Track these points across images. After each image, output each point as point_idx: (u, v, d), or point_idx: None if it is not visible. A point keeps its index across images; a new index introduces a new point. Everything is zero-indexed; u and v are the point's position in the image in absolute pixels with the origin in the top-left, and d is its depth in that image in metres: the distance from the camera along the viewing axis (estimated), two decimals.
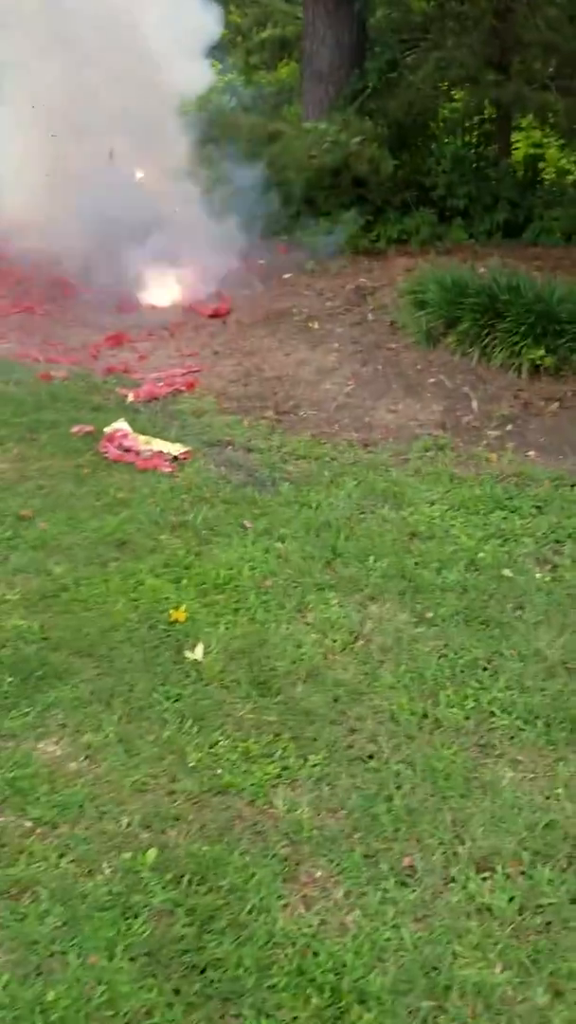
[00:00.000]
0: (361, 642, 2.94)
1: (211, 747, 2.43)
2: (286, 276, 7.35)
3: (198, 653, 2.78)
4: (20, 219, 7.37)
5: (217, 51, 11.47)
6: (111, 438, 4.38)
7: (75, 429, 4.54)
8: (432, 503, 3.94)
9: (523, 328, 4.98)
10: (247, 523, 3.69)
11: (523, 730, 2.57)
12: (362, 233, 7.83)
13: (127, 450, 4.31)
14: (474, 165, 8.49)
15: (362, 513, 3.85)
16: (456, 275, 5.46)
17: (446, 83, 8.94)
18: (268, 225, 7.86)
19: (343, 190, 7.77)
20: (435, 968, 1.84)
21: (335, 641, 2.93)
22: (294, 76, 10.40)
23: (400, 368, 5.50)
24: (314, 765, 2.38)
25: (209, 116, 8.76)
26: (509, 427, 4.76)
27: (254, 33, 10.98)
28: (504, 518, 3.81)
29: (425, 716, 2.61)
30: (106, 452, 4.31)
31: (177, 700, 2.61)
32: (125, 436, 4.40)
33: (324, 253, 7.54)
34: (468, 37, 8.36)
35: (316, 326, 6.29)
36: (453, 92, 9.37)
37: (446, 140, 8.88)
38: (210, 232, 7.58)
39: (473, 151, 8.97)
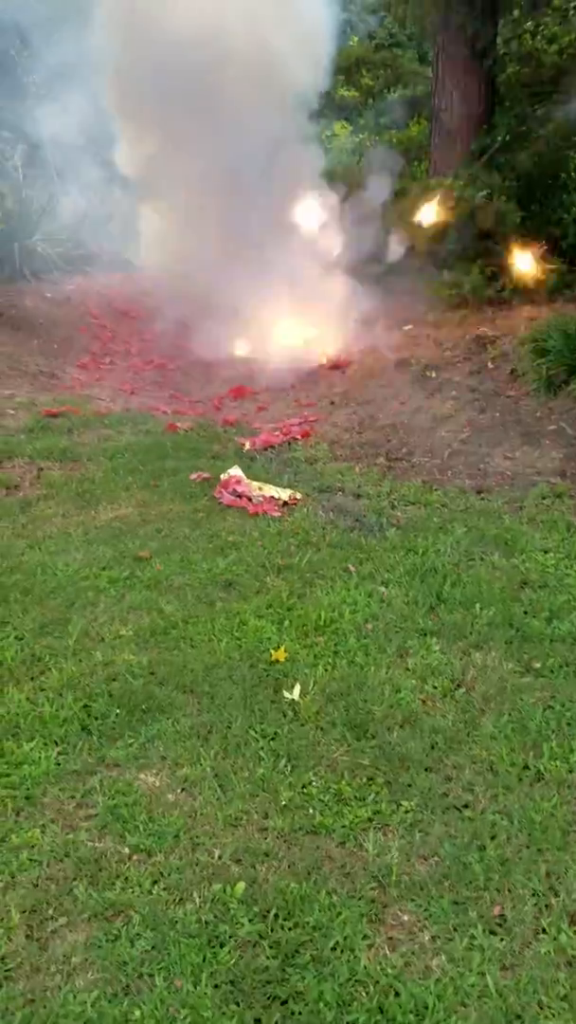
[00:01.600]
0: (462, 690, 2.89)
1: (304, 787, 2.45)
2: (407, 327, 7.44)
3: (295, 693, 2.82)
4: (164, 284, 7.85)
5: (348, 112, 11.94)
6: (226, 484, 4.54)
7: (194, 476, 4.74)
8: (547, 551, 3.84)
9: None
10: (351, 567, 3.72)
11: None
12: (487, 283, 7.83)
13: (240, 495, 4.45)
14: None
15: (470, 559, 3.80)
16: None
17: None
18: (393, 277, 8.00)
19: (469, 243, 7.82)
20: (519, 1017, 1.77)
21: (435, 688, 2.89)
22: (424, 134, 10.63)
23: (519, 415, 5.42)
24: (407, 811, 2.35)
25: (339, 174, 9.09)
26: None
27: (385, 94, 11.36)
28: None
29: (526, 768, 2.53)
30: (220, 497, 4.47)
31: (273, 739, 2.64)
32: (239, 482, 4.55)
33: (447, 304, 7.58)
34: None
35: (433, 375, 6.31)
36: None
37: (574, 193, 8.77)
38: (336, 286, 7.80)
39: None
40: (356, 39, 9.05)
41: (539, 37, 9.41)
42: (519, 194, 8.57)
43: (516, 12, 9.21)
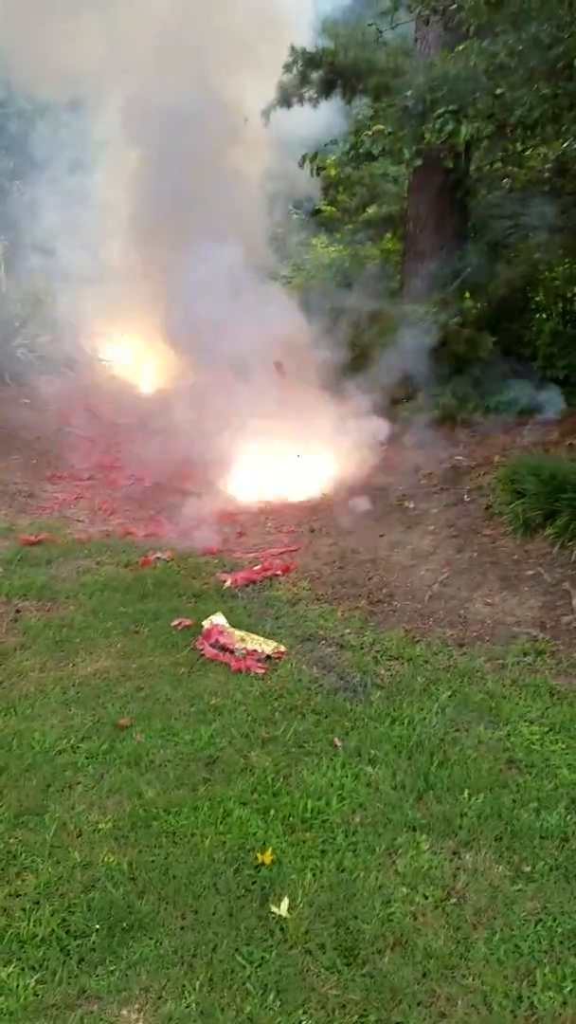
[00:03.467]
0: (454, 900, 2.82)
1: None
2: (382, 447, 7.55)
3: (283, 908, 2.73)
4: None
5: (323, 228, 12.33)
6: (208, 635, 4.50)
7: (175, 623, 4.69)
8: (531, 722, 3.83)
9: None
10: (337, 741, 3.67)
11: None
12: (460, 404, 8.02)
13: (223, 648, 4.41)
14: (573, 335, 8.64)
15: (456, 731, 3.77)
16: (554, 467, 5.49)
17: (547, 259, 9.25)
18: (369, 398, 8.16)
19: (442, 366, 8.02)
20: None
21: (427, 898, 2.82)
22: (398, 249, 10.99)
23: (497, 557, 5.48)
24: None
25: (313, 294, 9.33)
26: None
27: (360, 213, 11.75)
28: None
29: (519, 999, 2.46)
30: (202, 649, 4.41)
31: (260, 966, 2.54)
32: (221, 632, 4.51)
33: (422, 425, 7.73)
34: (569, 217, 8.68)
35: (411, 505, 6.38)
36: (554, 263, 9.66)
37: (545, 315, 9.11)
38: (308, 405, 7.92)
39: (573, 320, 9.16)
40: (333, 169, 9.41)
41: (509, 163, 9.85)
42: (490, 318, 8.87)
43: (486, 141, 9.66)
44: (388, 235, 11.58)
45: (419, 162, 5.67)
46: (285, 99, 8.60)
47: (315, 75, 8.04)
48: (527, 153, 9.43)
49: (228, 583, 5.32)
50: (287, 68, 7.92)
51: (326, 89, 9.22)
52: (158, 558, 5.66)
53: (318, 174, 6.16)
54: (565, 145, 6.06)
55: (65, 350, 10.10)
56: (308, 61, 7.96)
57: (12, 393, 9.18)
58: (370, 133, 5.73)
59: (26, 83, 10.03)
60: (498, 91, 5.25)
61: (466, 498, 6.32)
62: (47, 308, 10.53)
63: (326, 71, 7.91)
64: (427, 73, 6.32)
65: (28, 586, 5.09)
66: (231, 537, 6.32)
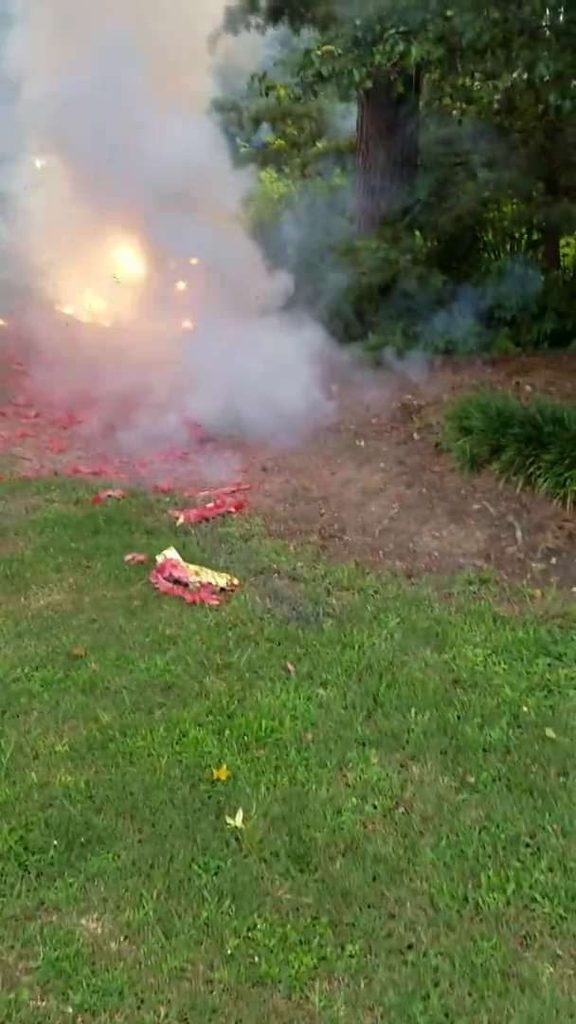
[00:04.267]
0: (401, 809, 2.94)
1: (249, 931, 2.45)
2: (334, 387, 7.56)
3: (238, 820, 2.82)
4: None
5: (272, 162, 12.08)
6: (161, 568, 4.52)
7: (128, 557, 4.70)
8: (475, 645, 3.96)
9: (568, 460, 5.04)
10: (290, 666, 3.75)
11: (564, 919, 2.53)
12: (409, 343, 8.04)
13: (176, 581, 4.43)
14: (521, 275, 8.68)
15: (404, 655, 3.88)
16: (500, 403, 5.57)
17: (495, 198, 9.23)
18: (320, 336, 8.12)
19: (392, 304, 8.02)
20: None
21: (375, 807, 2.94)
22: (347, 186, 10.84)
23: (444, 492, 5.58)
24: (351, 956, 2.38)
25: (264, 228, 9.18)
26: (554, 560, 4.78)
27: (309, 147, 11.55)
28: (548, 665, 3.81)
29: (465, 900, 2.59)
30: (156, 583, 4.44)
31: (216, 873, 2.64)
32: (175, 566, 4.53)
33: (372, 365, 7.74)
34: (517, 156, 8.66)
35: (362, 444, 6.43)
36: (502, 203, 9.66)
37: (493, 255, 9.11)
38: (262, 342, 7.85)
39: (521, 260, 9.19)
40: (283, 90, 9.17)
41: (457, 99, 9.72)
42: (440, 256, 8.85)
43: (437, 73, 9.47)
44: (337, 170, 11.43)
45: (369, 84, 5.57)
46: (232, 25, 8.34)
47: (263, 0, 7.77)
48: (477, 87, 9.32)
49: (181, 519, 5.32)
50: None
51: (274, 16, 8.97)
52: (109, 496, 5.63)
53: (267, 95, 6.02)
54: (515, 75, 6.02)
55: (14, 287, 9.79)
56: None
57: None
58: (319, 53, 5.60)
59: None
60: (448, 13, 5.16)
61: (415, 436, 6.40)
62: None
63: None
64: (376, 2, 6.18)
65: None
66: (184, 474, 6.30)
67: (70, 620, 4.10)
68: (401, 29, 5.06)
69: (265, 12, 8.78)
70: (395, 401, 7.03)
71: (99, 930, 2.45)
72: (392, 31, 5.05)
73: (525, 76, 5.83)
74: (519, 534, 5.00)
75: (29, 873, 2.63)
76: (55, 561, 4.68)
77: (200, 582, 4.42)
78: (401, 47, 5.02)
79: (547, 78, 5.23)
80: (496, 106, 8.57)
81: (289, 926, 2.46)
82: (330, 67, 5.45)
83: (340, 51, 5.50)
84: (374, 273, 7.76)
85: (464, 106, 9.44)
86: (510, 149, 8.72)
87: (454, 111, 9.68)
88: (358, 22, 6.36)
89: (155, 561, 4.61)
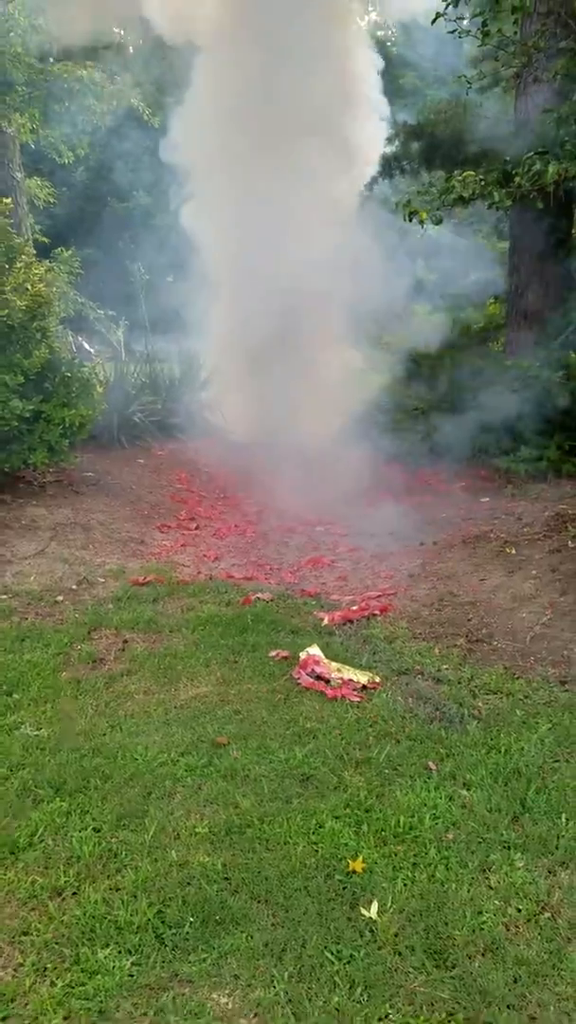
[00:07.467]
0: (548, 914, 2.76)
1: (380, 1020, 2.34)
2: (484, 499, 7.56)
3: (373, 911, 2.74)
4: None
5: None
6: (304, 664, 4.59)
7: (272, 654, 4.81)
8: None
9: None
10: (432, 765, 3.66)
11: None
12: (565, 458, 7.97)
13: (319, 677, 4.48)
14: None
15: (555, 761, 3.69)
16: None
17: None
18: (471, 452, 8.24)
19: (546, 419, 8.03)
20: None
21: (519, 911, 2.77)
22: (500, 313, 11.14)
23: None
24: None
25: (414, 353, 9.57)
26: None
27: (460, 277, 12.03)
28: None
29: None
30: (299, 678, 4.50)
31: (349, 962, 2.56)
32: (317, 663, 4.59)
33: (525, 478, 7.71)
34: None
35: (513, 551, 6.34)
36: None
37: None
38: (413, 457, 8.06)
39: None
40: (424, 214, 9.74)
41: None
42: None
43: None
44: (491, 300, 11.78)
45: (508, 203, 5.85)
46: (387, 171, 9.03)
47: (416, 145, 8.42)
48: None
49: (326, 621, 5.41)
50: (389, 140, 8.34)
51: (427, 161, 9.63)
52: (258, 598, 5.83)
53: (410, 220, 6.43)
54: None
55: (179, 414, 10.67)
56: (410, 133, 8.36)
57: (128, 454, 9.72)
58: (460, 178, 5.97)
59: None
60: None
61: (570, 543, 6.24)
62: (161, 378, 11.18)
63: (427, 141, 8.28)
64: (524, 138, 6.56)
65: (136, 620, 5.34)
66: (331, 580, 6.43)
67: (215, 711, 4.22)
68: (538, 150, 5.33)
69: (418, 157, 9.45)
70: (548, 511, 6.92)
71: (230, 1005, 2.43)
72: (530, 153, 5.32)
73: None
74: None
75: (165, 946, 2.66)
76: (205, 656, 4.86)
77: (342, 679, 4.45)
78: (538, 166, 5.28)
79: None
80: None
81: (422, 1018, 2.33)
82: (471, 189, 5.79)
83: (482, 175, 5.84)
84: (527, 391, 7.85)
85: None
86: None
87: None
88: (507, 158, 6.77)
89: (298, 658, 4.69)
